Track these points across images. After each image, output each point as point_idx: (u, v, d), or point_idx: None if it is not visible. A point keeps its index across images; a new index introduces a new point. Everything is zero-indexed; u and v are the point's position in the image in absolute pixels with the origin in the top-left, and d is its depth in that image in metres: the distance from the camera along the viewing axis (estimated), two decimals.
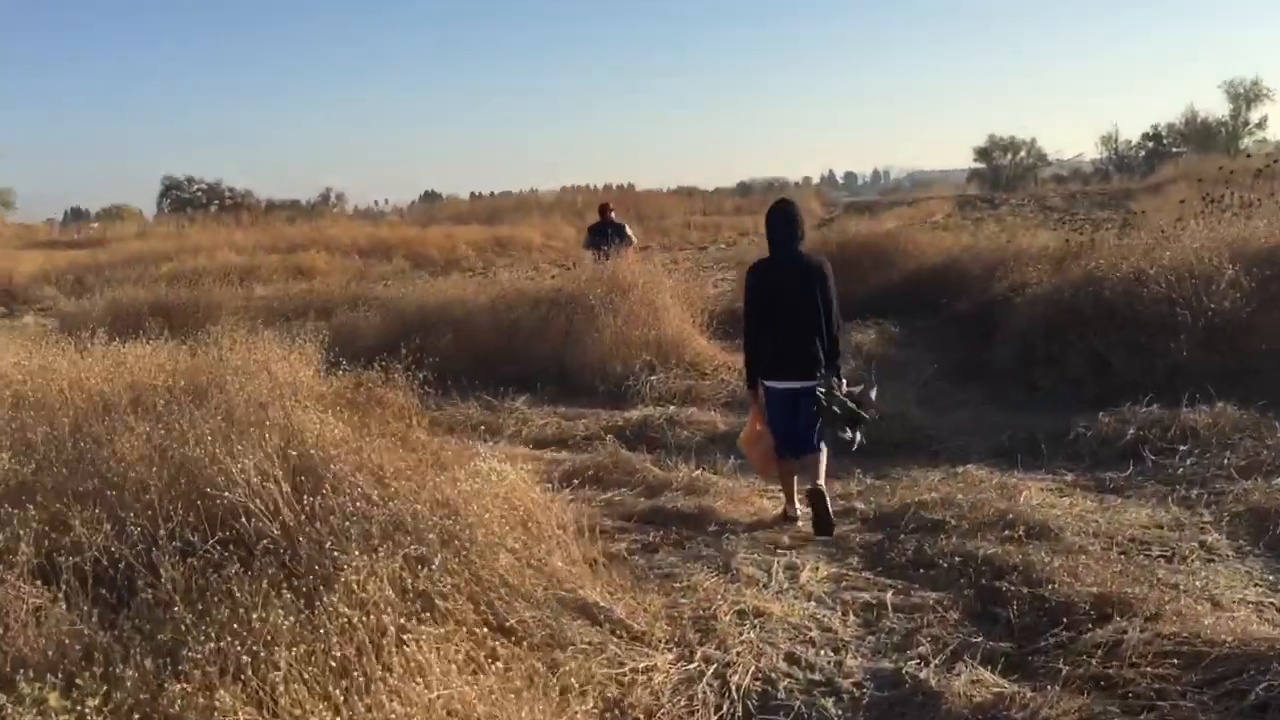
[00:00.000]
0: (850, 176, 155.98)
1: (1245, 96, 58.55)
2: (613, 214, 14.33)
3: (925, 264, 14.01)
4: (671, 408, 9.28)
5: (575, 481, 7.23)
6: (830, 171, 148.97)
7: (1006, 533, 5.54)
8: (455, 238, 30.20)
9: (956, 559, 5.28)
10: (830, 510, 5.96)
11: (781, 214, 6.11)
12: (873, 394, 6.13)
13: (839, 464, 7.44)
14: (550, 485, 7.09)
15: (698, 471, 7.09)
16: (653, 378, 10.18)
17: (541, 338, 11.03)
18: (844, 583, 5.27)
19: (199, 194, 62.85)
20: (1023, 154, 69.35)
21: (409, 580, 3.90)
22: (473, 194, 54.64)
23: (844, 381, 6.05)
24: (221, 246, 27.41)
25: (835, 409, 5.88)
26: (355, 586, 3.60)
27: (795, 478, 6.25)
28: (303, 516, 4.17)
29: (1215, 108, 60.80)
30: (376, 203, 64.12)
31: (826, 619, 4.80)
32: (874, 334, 11.58)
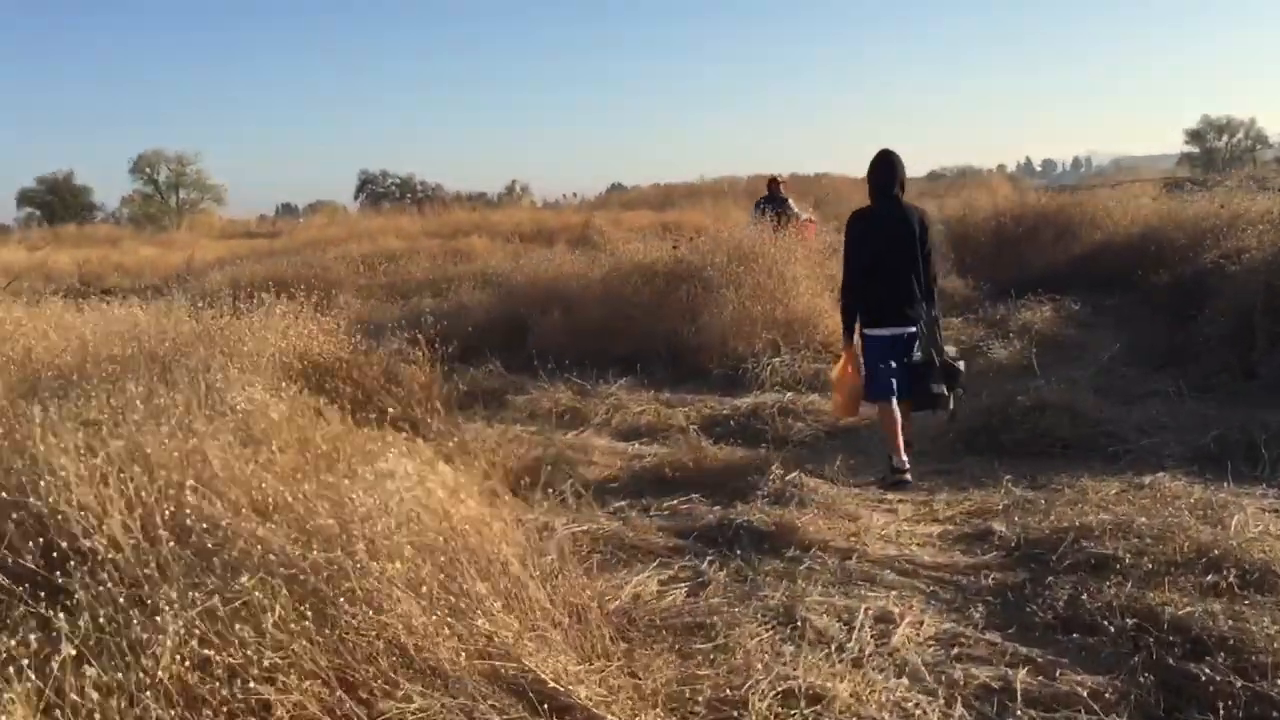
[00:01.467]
0: (1048, 164, 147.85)
1: None
2: (781, 188, 13.24)
3: (1116, 234, 11.74)
4: (789, 395, 7.61)
5: (642, 484, 5.75)
6: (1027, 159, 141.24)
7: (1209, 578, 3.73)
8: (622, 224, 28.93)
9: (1129, 620, 3.50)
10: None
11: (882, 163, 5.94)
12: (961, 365, 5.93)
13: (981, 468, 5.74)
14: (612, 485, 5.69)
15: (794, 474, 5.44)
16: (775, 360, 8.49)
17: (656, 314, 9.48)
18: (957, 648, 3.55)
19: (393, 187, 64.11)
20: (1240, 135, 64.11)
21: (212, 651, 2.44)
22: (655, 185, 53.12)
23: (940, 334, 5.85)
24: (388, 233, 26.89)
25: (933, 351, 5.67)
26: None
27: (899, 425, 5.69)
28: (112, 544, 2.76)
29: None
30: (564, 196, 63.64)
31: (920, 710, 3.12)
32: (1048, 311, 9.44)
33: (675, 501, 5.33)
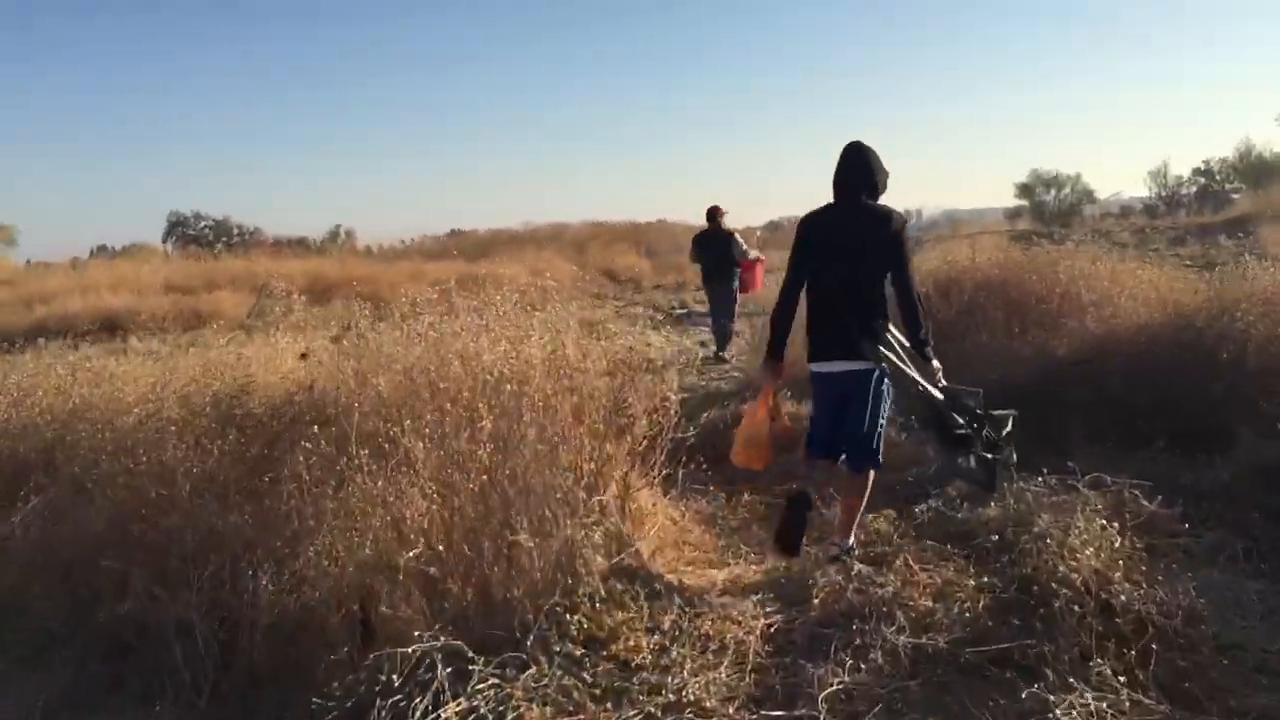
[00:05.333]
0: None
1: None
2: (722, 220, 10.44)
3: (1119, 322, 6.71)
4: None
5: None
6: None
7: None
8: (423, 277, 23.14)
9: None
10: (803, 536, 4.13)
11: (852, 155, 4.20)
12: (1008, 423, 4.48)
13: None
14: None
15: None
16: (451, 708, 2.95)
17: (221, 529, 3.88)
18: None
19: (206, 230, 56.64)
20: (1067, 190, 62.37)
21: None
22: (493, 230, 46.69)
23: (938, 371, 4.32)
24: (120, 285, 20.55)
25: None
26: None
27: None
28: None
29: (1274, 141, 53.05)
30: (400, 241, 56.15)
31: None
32: (1098, 520, 3.94)
33: None
